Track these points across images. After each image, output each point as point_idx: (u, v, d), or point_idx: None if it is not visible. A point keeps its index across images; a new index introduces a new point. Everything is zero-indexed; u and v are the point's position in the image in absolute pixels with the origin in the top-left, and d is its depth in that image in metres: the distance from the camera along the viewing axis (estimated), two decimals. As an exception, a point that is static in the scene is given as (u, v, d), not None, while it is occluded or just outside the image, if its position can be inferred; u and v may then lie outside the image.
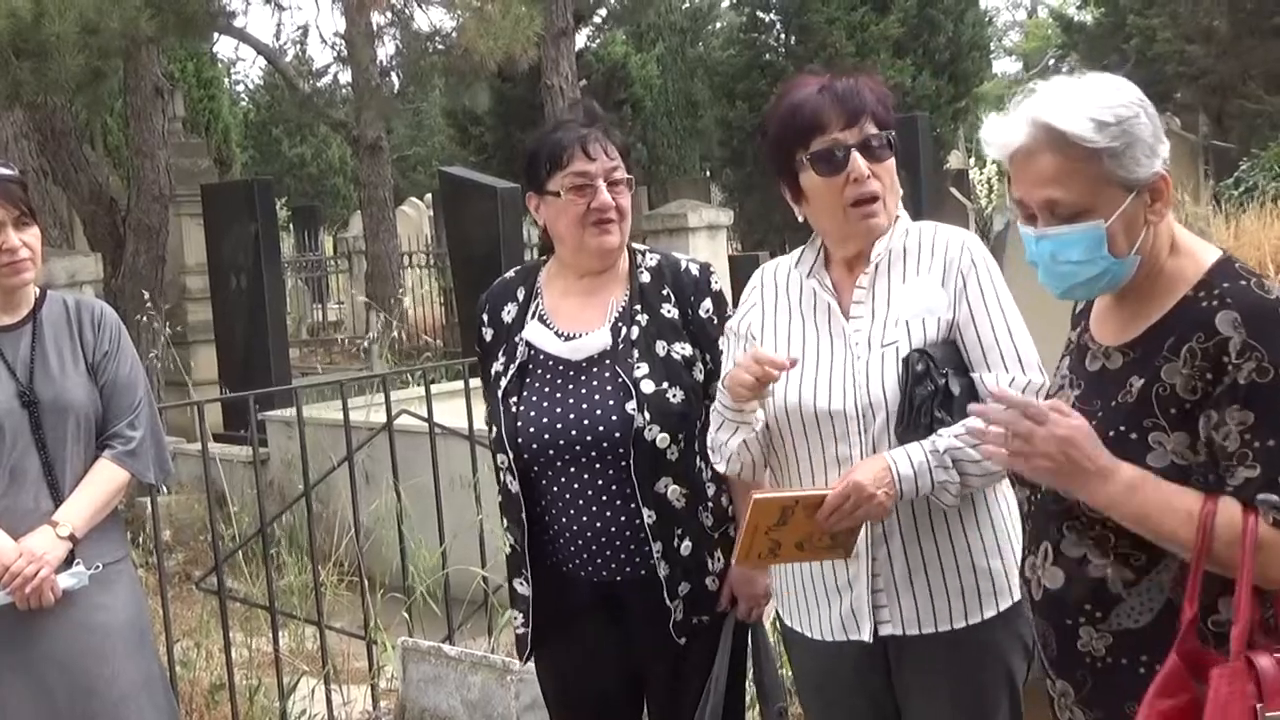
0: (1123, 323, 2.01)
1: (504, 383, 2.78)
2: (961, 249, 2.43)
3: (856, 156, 2.39)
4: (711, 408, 2.58)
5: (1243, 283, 1.91)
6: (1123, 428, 1.93)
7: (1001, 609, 2.40)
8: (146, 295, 9.20)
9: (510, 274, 2.98)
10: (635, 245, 2.87)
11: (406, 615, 4.77)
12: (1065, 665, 2.04)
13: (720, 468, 2.60)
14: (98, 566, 2.98)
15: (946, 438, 2.29)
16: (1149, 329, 1.96)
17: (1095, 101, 1.91)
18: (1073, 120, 1.89)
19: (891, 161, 2.44)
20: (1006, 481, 2.43)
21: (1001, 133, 1.97)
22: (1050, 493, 2.00)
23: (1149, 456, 1.90)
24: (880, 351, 2.38)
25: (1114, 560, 1.96)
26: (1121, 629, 1.96)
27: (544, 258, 2.93)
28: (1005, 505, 2.45)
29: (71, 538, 2.94)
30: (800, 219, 2.52)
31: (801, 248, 2.59)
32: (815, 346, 2.47)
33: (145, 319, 8.75)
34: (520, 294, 2.88)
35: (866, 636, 2.41)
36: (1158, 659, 1.89)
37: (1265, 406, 1.82)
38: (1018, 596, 2.38)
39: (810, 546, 2.33)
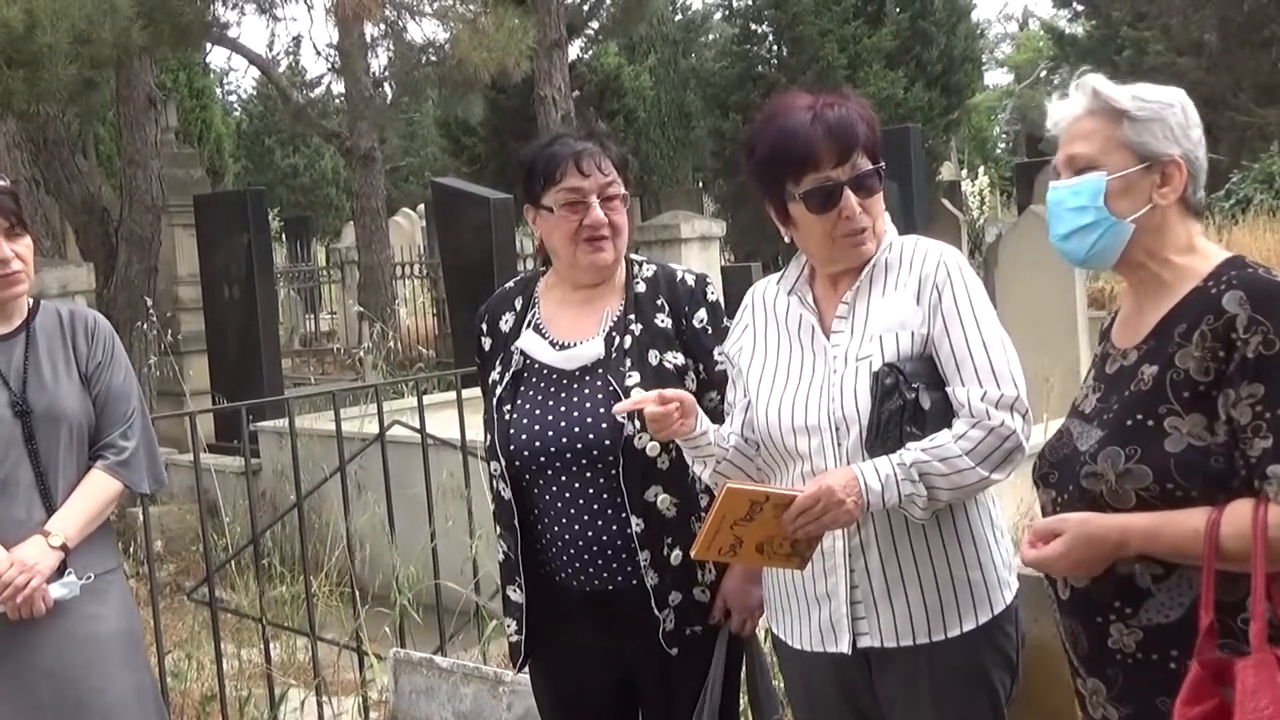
0: (1138, 323, 2.09)
1: (499, 391, 2.79)
2: (938, 264, 2.41)
3: (849, 195, 2.39)
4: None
5: (1249, 270, 1.99)
6: (1140, 416, 1.98)
7: (981, 622, 2.39)
8: (150, 303, 9.19)
9: (509, 284, 2.99)
10: (633, 256, 2.88)
11: (395, 627, 4.76)
12: (1096, 663, 2.07)
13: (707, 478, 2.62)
14: (89, 577, 2.98)
15: (914, 451, 2.28)
16: (1160, 321, 2.03)
17: (1143, 86, 2.08)
18: (1115, 89, 2.06)
19: (881, 193, 2.44)
20: (989, 493, 2.44)
21: (1065, 106, 2.12)
22: (1075, 491, 2.03)
23: (1166, 442, 1.94)
24: (854, 366, 2.39)
25: (1141, 555, 1.98)
26: (1152, 624, 1.99)
27: (543, 268, 2.94)
28: (986, 518, 2.44)
29: (64, 548, 2.93)
30: (786, 240, 2.53)
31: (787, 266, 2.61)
32: (798, 363, 2.48)
33: (146, 325, 8.74)
34: (518, 304, 2.89)
35: (845, 648, 2.41)
36: (1188, 654, 1.93)
37: (1273, 377, 1.88)
38: (998, 609, 2.40)
39: (770, 551, 2.33)
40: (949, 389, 2.34)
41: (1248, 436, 1.90)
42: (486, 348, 2.91)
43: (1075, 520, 1.99)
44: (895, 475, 2.27)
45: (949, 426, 2.31)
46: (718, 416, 2.64)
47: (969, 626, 2.38)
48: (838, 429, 2.38)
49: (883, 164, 2.45)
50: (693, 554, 2.39)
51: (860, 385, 2.36)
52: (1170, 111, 2.05)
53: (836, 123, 2.39)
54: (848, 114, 2.41)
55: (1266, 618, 1.86)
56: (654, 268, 2.86)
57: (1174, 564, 1.96)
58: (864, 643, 2.40)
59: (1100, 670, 2.06)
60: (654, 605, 2.68)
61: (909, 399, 2.31)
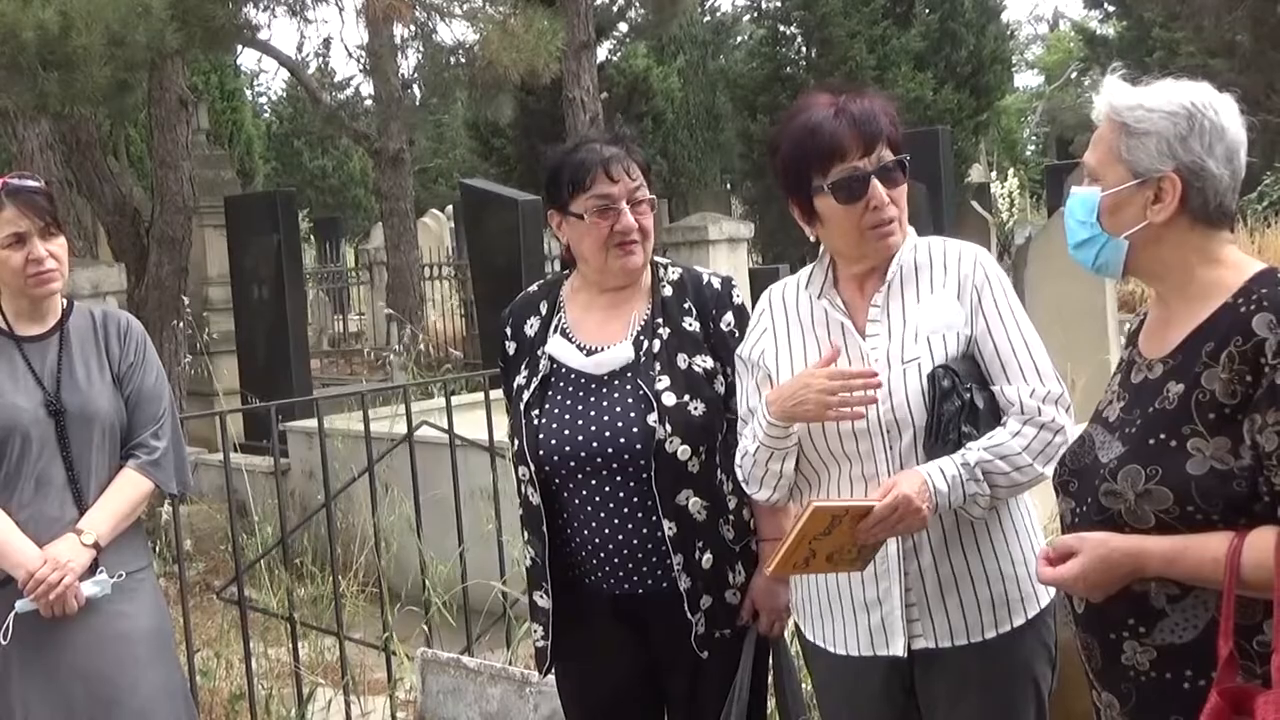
0: (1165, 335, 2.05)
1: (526, 396, 2.79)
2: (975, 264, 2.46)
3: (876, 184, 2.41)
4: (748, 440, 2.52)
5: None
6: (1162, 435, 1.95)
7: (1029, 616, 2.44)
8: (187, 302, 9.27)
9: (533, 288, 2.99)
10: (658, 259, 2.88)
11: (425, 627, 4.78)
12: (1109, 678, 2.05)
13: (761, 497, 2.57)
14: (121, 575, 3.00)
15: (976, 451, 2.31)
16: (1188, 336, 1.99)
17: (1156, 87, 2.01)
18: (1124, 96, 2.01)
19: (905, 186, 2.47)
20: (1028, 491, 2.46)
21: (1101, 101, 2.08)
22: (1094, 505, 2.01)
23: (1188, 464, 1.91)
24: (902, 368, 2.40)
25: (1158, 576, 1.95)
26: (1165, 644, 1.97)
27: (566, 272, 2.94)
28: (1027, 514, 2.49)
29: (96, 546, 2.96)
30: (812, 238, 2.53)
31: (807, 268, 2.60)
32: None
33: (182, 324, 8.81)
34: (543, 308, 2.89)
35: (900, 651, 2.43)
36: (1202, 674, 1.91)
37: None
38: (1043, 604, 2.43)
39: (838, 559, 2.34)
40: (995, 388, 2.38)
41: (1272, 464, 1.85)
42: (511, 352, 2.90)
43: (1093, 541, 1.96)
44: (960, 476, 2.30)
45: (997, 425, 2.34)
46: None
47: (1019, 622, 2.43)
48: (889, 431, 2.39)
49: (907, 156, 2.47)
50: (768, 572, 2.42)
51: (911, 387, 2.38)
52: (1170, 122, 1.96)
53: (860, 114, 2.42)
54: (870, 107, 2.44)
55: None
56: (679, 270, 2.86)
57: (1190, 585, 1.93)
58: (918, 644, 2.43)
59: (1114, 686, 2.04)
60: (687, 609, 2.69)
61: (966, 399, 2.34)
